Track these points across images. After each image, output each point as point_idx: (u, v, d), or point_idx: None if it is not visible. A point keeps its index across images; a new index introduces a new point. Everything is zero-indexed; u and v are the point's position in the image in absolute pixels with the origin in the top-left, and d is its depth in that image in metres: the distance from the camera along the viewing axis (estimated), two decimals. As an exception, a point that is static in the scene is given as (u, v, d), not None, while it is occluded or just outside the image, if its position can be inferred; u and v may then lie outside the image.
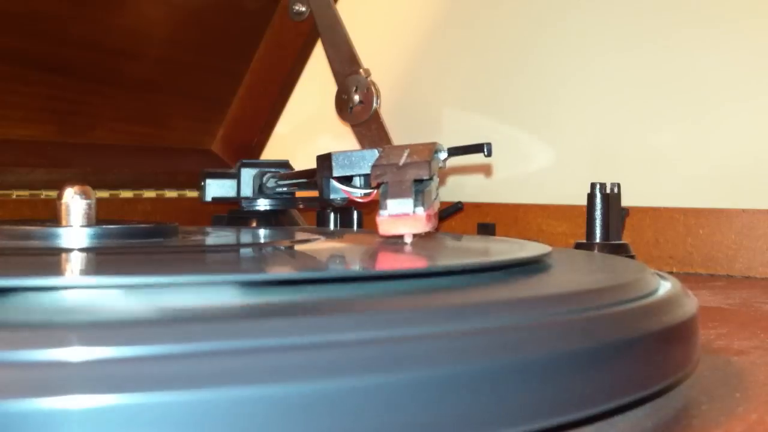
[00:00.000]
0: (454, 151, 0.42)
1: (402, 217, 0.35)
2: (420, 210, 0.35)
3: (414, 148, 0.39)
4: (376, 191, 0.41)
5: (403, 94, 0.88)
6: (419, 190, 0.37)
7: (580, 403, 0.21)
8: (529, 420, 0.20)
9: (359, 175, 0.44)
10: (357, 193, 0.44)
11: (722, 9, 0.69)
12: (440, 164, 0.41)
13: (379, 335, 0.19)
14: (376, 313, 0.21)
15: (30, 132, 0.75)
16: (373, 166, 0.38)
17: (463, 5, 0.85)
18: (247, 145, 0.93)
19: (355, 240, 0.44)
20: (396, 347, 0.19)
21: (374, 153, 0.42)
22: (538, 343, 0.21)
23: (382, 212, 0.36)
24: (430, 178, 0.38)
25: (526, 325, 0.21)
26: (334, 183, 0.44)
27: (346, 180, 0.44)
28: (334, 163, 0.44)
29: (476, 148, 0.44)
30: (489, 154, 0.44)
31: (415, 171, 0.37)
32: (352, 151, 0.44)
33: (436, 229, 0.40)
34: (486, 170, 0.82)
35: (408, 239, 0.36)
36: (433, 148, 0.40)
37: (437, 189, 0.40)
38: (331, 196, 0.45)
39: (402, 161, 0.38)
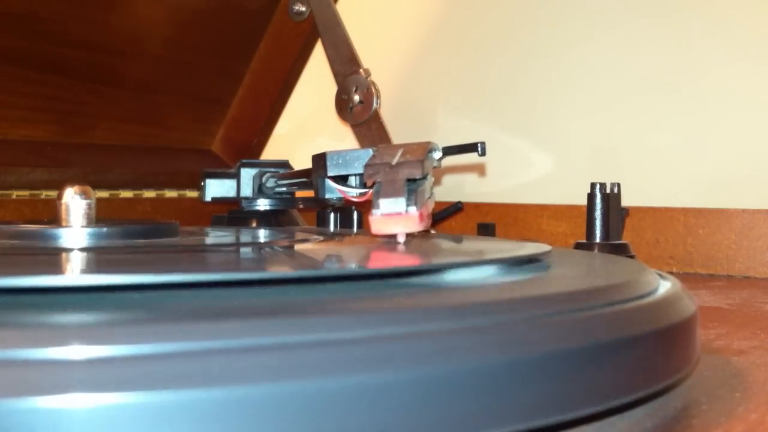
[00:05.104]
0: (448, 151, 0.42)
1: (394, 216, 0.35)
2: (413, 209, 0.35)
3: (408, 148, 0.39)
4: (371, 191, 0.41)
5: (403, 94, 0.88)
6: (412, 189, 0.36)
7: (580, 402, 0.21)
8: (529, 418, 0.20)
9: (355, 175, 0.44)
10: (352, 192, 0.44)
11: (722, 9, 0.69)
12: (435, 164, 0.41)
13: (374, 334, 0.19)
14: (372, 313, 0.21)
15: (30, 132, 0.75)
16: (366, 165, 0.38)
17: (463, 6, 0.85)
18: (247, 145, 0.93)
19: (351, 240, 0.44)
20: (392, 346, 0.19)
21: (368, 152, 0.42)
22: (538, 343, 0.21)
23: (374, 211, 0.35)
24: (424, 178, 0.37)
25: (526, 325, 0.21)
26: (330, 182, 0.44)
27: (342, 179, 0.44)
28: (328, 163, 0.44)
29: (470, 148, 0.44)
30: (483, 153, 0.44)
31: (408, 170, 0.37)
32: (346, 150, 0.44)
33: (432, 230, 0.39)
34: (486, 170, 0.82)
35: (401, 238, 0.36)
36: (427, 148, 0.39)
37: (432, 188, 0.40)
38: (327, 196, 0.45)
39: (395, 160, 0.37)
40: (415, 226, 0.36)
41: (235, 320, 0.19)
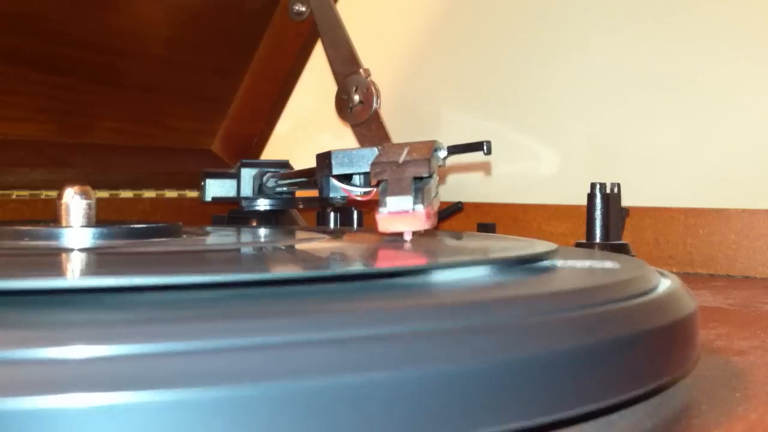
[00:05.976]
0: (453, 149, 0.42)
1: (401, 214, 0.35)
2: (419, 207, 0.35)
3: (414, 146, 0.39)
4: (375, 190, 0.41)
5: (403, 94, 0.88)
6: (419, 187, 0.36)
7: (580, 399, 0.21)
8: (530, 416, 0.20)
9: (359, 174, 0.44)
10: (356, 191, 0.44)
11: (723, 9, 0.69)
12: (440, 162, 0.41)
13: (379, 332, 0.19)
14: (376, 311, 0.21)
15: (30, 132, 0.75)
16: (373, 164, 0.38)
17: (463, 6, 0.85)
18: (247, 145, 0.93)
19: (356, 239, 0.44)
20: (396, 345, 0.19)
21: (374, 151, 0.42)
22: (538, 341, 0.21)
23: (381, 210, 0.35)
24: (430, 176, 0.37)
25: (526, 323, 0.21)
26: (334, 181, 0.44)
27: (346, 178, 0.44)
28: (333, 161, 0.43)
29: (476, 146, 0.44)
30: (488, 152, 0.44)
31: (415, 169, 0.37)
32: (351, 149, 0.44)
33: (436, 228, 0.40)
34: (486, 170, 0.82)
35: (407, 237, 0.36)
36: (432, 146, 0.39)
37: (437, 187, 0.40)
38: (331, 195, 0.45)
39: (401, 159, 0.37)
40: (422, 225, 0.36)
41: (237, 320, 0.19)
